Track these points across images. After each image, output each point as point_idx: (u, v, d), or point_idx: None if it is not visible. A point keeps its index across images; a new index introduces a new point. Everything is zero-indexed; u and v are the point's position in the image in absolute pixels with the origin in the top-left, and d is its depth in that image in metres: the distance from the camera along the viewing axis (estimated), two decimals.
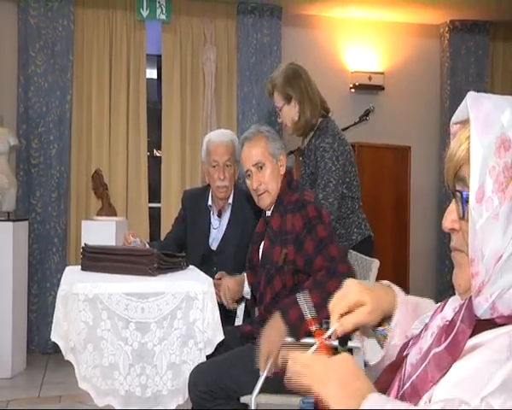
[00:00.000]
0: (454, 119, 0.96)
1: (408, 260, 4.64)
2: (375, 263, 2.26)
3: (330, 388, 0.93)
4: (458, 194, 0.91)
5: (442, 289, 5.28)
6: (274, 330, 2.01)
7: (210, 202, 2.85)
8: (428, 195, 5.43)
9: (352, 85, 5.25)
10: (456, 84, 5.39)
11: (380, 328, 1.16)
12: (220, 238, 2.80)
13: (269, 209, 2.29)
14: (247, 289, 2.45)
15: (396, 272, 4.48)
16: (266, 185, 2.23)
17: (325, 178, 2.65)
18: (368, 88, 5.25)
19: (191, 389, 2.10)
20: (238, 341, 2.30)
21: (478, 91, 0.92)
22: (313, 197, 2.25)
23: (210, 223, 2.83)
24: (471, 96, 0.90)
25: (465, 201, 0.89)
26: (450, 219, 0.94)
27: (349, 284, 1.13)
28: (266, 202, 2.26)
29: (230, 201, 2.82)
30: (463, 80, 5.40)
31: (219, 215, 2.83)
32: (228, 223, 2.81)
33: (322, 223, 2.15)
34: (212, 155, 2.77)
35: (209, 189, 2.86)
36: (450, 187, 0.94)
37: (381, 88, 5.29)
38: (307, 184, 2.80)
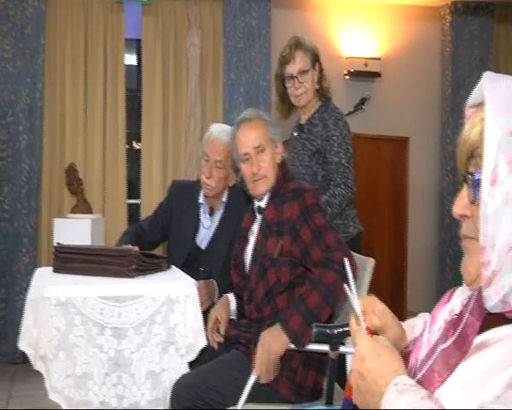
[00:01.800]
0: (470, 102, 0.97)
1: (406, 260, 4.66)
2: (371, 262, 2.26)
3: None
4: (470, 177, 0.91)
5: (443, 291, 5.27)
6: (275, 340, 2.02)
7: (201, 200, 2.81)
8: (428, 189, 5.45)
9: (346, 72, 5.25)
10: (458, 71, 5.40)
11: None
12: (210, 237, 2.78)
13: (260, 200, 2.30)
14: (232, 308, 2.39)
15: (393, 273, 4.50)
16: (265, 171, 2.25)
17: (343, 144, 2.69)
18: (363, 75, 5.26)
19: (173, 404, 2.09)
20: (223, 345, 2.30)
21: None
22: (311, 187, 2.29)
23: (199, 221, 2.80)
24: (487, 76, 0.91)
25: (477, 183, 0.89)
26: (461, 204, 0.95)
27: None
28: (263, 188, 2.26)
29: (224, 199, 2.79)
30: (466, 66, 5.42)
31: (211, 214, 2.80)
32: (220, 222, 2.78)
33: (320, 211, 2.17)
34: (206, 148, 2.73)
35: (200, 184, 2.81)
36: (462, 171, 0.94)
37: (377, 75, 5.30)
38: (305, 158, 2.82)
